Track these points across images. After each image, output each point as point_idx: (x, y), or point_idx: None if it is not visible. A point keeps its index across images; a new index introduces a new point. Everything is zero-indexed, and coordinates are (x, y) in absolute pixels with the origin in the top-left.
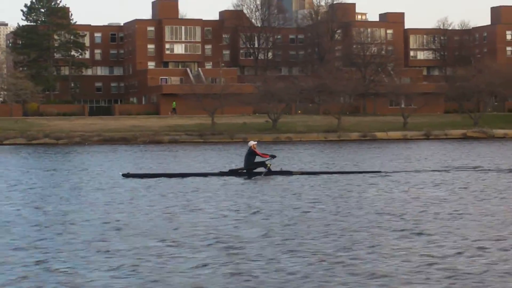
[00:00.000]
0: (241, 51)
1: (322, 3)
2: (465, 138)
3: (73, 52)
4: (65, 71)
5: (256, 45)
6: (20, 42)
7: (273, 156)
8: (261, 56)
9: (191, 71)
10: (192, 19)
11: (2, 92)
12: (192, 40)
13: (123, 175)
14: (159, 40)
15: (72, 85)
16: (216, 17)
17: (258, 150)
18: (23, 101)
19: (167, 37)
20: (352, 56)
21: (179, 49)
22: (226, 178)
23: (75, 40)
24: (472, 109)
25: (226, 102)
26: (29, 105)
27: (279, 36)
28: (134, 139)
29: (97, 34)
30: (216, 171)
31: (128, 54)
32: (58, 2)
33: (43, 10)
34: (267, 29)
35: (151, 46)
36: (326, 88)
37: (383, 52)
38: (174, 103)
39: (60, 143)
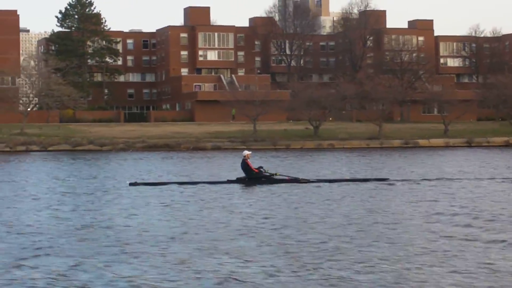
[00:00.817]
0: (272, 58)
1: (355, 10)
2: (508, 145)
3: (107, 59)
4: (98, 77)
5: (288, 52)
6: (54, 48)
7: (259, 168)
8: (292, 63)
9: (224, 77)
10: (225, 26)
11: (37, 98)
12: (225, 47)
13: (130, 184)
14: (192, 46)
15: (106, 91)
16: (246, 23)
17: (249, 161)
18: (64, 107)
19: (200, 44)
20: (389, 62)
21: (212, 55)
22: (236, 185)
23: (109, 47)
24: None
25: (268, 108)
26: (65, 111)
27: (310, 43)
28: (177, 146)
29: (129, 41)
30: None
31: (161, 61)
32: (92, 8)
33: (77, 17)
34: (299, 35)
35: (184, 53)
36: (367, 95)
37: (415, 59)
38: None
39: (104, 150)
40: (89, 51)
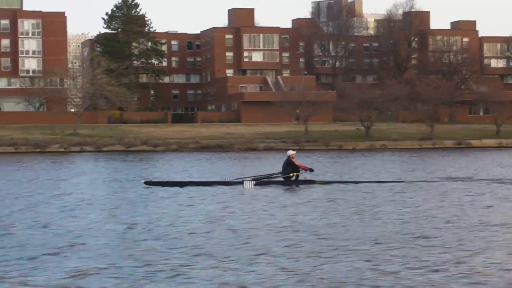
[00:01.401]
0: (315, 59)
1: (400, 11)
2: None
3: (153, 60)
4: (143, 78)
5: (333, 53)
6: (100, 50)
7: (311, 170)
8: (336, 64)
9: (269, 78)
10: (270, 27)
11: (90, 99)
12: (270, 48)
13: (146, 183)
14: (237, 48)
15: (152, 92)
16: (287, 25)
17: (296, 161)
18: (114, 108)
19: (245, 45)
20: (436, 63)
21: (257, 57)
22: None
23: (154, 48)
24: None
25: (319, 109)
26: (112, 112)
27: (353, 44)
28: (231, 147)
29: (174, 42)
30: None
31: (206, 62)
32: (138, 10)
33: (123, 18)
34: (343, 37)
35: (229, 54)
36: (418, 95)
37: (460, 60)
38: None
39: (157, 150)
40: (135, 53)
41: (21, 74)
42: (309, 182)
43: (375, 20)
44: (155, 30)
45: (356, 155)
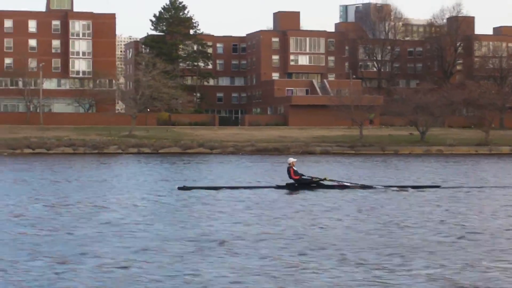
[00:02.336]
0: (360, 63)
1: (446, 15)
2: None
3: (200, 63)
4: (188, 81)
5: (380, 58)
6: (147, 52)
7: (302, 176)
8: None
9: (316, 82)
10: (317, 31)
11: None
12: (316, 52)
13: (179, 188)
14: (283, 51)
15: (198, 95)
16: (328, 28)
17: (293, 169)
18: (169, 110)
19: (292, 49)
20: (482, 69)
21: (303, 60)
22: (286, 191)
23: (201, 50)
24: None
25: (375, 114)
26: (160, 114)
27: (397, 49)
28: (287, 150)
29: (219, 45)
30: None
31: (251, 65)
32: (185, 12)
33: (171, 20)
34: (388, 41)
35: (275, 57)
36: (474, 101)
37: (505, 65)
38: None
39: (214, 153)
40: (182, 55)
41: (71, 75)
42: (343, 187)
43: (403, 25)
44: (202, 32)
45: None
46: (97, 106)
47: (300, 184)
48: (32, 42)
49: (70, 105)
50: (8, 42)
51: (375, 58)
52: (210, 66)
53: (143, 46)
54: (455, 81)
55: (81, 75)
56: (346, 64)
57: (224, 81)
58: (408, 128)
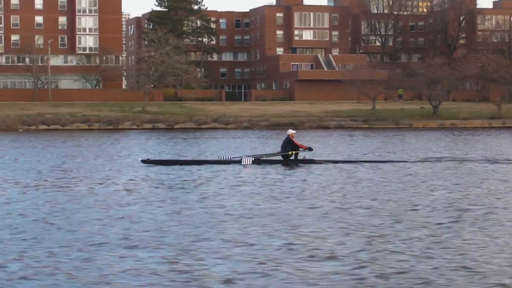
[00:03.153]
0: (363, 38)
1: None
2: None
3: (204, 38)
4: (192, 56)
5: (384, 32)
6: (151, 27)
7: (310, 149)
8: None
9: (320, 57)
10: (321, 6)
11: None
12: (320, 27)
13: (142, 161)
14: (288, 26)
15: (203, 70)
16: (331, 3)
17: (296, 140)
18: (182, 86)
19: (296, 24)
20: (485, 42)
21: (307, 35)
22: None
23: (205, 26)
24: None
25: (387, 88)
26: (166, 89)
27: (400, 23)
28: (301, 124)
29: (222, 20)
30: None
31: (255, 40)
32: None
33: None
34: (392, 15)
35: (279, 32)
36: (487, 74)
37: (507, 40)
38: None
39: (229, 128)
40: (187, 31)
41: (78, 52)
42: (308, 162)
43: None
44: (206, 8)
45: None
46: (104, 83)
47: (284, 157)
48: (39, 19)
49: (77, 82)
50: (14, 19)
51: (379, 32)
52: (213, 42)
53: (147, 22)
54: (458, 55)
55: (87, 51)
56: (350, 39)
57: (227, 57)
58: (417, 102)
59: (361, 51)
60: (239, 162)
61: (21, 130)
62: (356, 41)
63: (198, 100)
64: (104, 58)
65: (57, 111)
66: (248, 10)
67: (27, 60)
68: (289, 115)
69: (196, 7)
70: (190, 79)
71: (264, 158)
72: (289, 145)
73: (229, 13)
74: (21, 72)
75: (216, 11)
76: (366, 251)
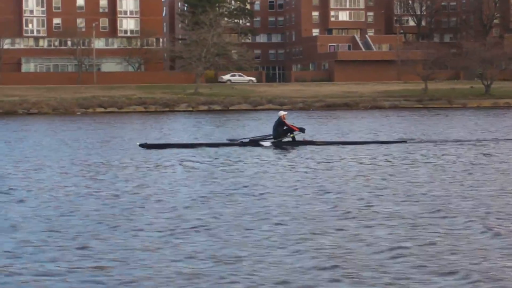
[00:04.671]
0: (396, 18)
1: None
2: None
3: (242, 20)
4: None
5: (419, 12)
6: (181, 9)
7: (302, 130)
8: (413, 23)
9: (357, 37)
10: None
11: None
12: (356, 7)
13: (140, 145)
14: (324, 7)
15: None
16: None
17: (287, 121)
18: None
19: (332, 4)
20: None
21: (343, 16)
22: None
23: (242, 7)
24: None
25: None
26: (206, 72)
27: (431, 3)
28: (356, 105)
29: (256, 1)
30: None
31: (290, 21)
32: None
33: None
34: None
35: (315, 13)
36: None
37: None
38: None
39: (284, 109)
40: (224, 12)
41: (119, 35)
42: (309, 143)
43: None
44: None
45: None
46: (145, 65)
47: (277, 139)
48: (80, 2)
49: (119, 64)
50: (56, 2)
51: (414, 12)
52: (248, 24)
53: (184, 3)
54: (492, 34)
55: (128, 34)
56: (385, 19)
57: (261, 38)
58: (462, 82)
59: (401, 31)
60: (238, 145)
61: (79, 113)
62: (391, 22)
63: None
64: (145, 40)
65: (109, 93)
66: None
67: (68, 43)
68: (340, 96)
69: None
70: (242, 61)
71: (263, 141)
72: (281, 126)
73: None
74: (63, 56)
75: None
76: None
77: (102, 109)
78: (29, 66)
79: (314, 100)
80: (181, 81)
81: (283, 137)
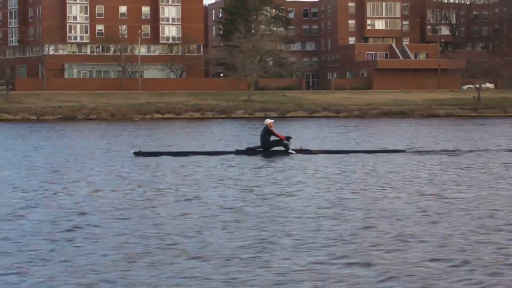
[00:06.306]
0: (429, 27)
1: None
2: None
3: (280, 28)
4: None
5: (454, 21)
6: (227, 17)
7: (288, 138)
8: (446, 32)
9: (394, 46)
10: None
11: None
12: (392, 16)
13: (135, 153)
14: (360, 16)
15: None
16: None
17: (274, 130)
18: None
19: (368, 13)
20: None
21: (379, 24)
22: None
23: (279, 15)
24: None
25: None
26: (248, 79)
27: (464, 13)
28: (411, 113)
29: (290, 9)
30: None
31: (325, 30)
32: None
33: None
34: (463, 5)
35: (351, 22)
36: None
37: None
38: None
39: (340, 116)
40: (263, 20)
41: (161, 41)
42: (305, 152)
43: None
44: None
45: None
46: (187, 72)
47: (267, 149)
48: (123, 9)
49: (161, 71)
50: (99, 9)
51: (449, 22)
52: (283, 31)
53: (222, 11)
54: None
55: (170, 41)
56: (420, 27)
57: (295, 46)
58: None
59: (442, 40)
60: (233, 153)
61: (137, 119)
62: (425, 31)
63: (279, 89)
64: (186, 47)
65: (162, 100)
66: (317, 0)
67: (111, 49)
68: (394, 104)
69: None
70: (295, 68)
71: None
72: (268, 134)
73: (297, 3)
74: (106, 62)
75: (285, 0)
76: None
77: (160, 115)
78: (72, 72)
79: (369, 108)
80: (223, 88)
81: (272, 145)
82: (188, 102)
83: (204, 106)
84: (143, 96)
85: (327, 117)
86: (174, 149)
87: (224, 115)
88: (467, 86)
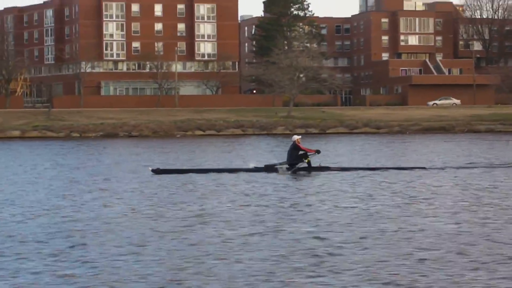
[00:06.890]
0: (462, 43)
1: None
2: None
3: (314, 44)
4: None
5: (488, 37)
6: (261, 34)
7: (318, 151)
8: (479, 47)
9: (428, 62)
10: (425, 11)
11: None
12: (425, 32)
13: (153, 171)
14: (393, 31)
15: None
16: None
17: (302, 145)
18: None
19: (402, 29)
20: None
21: (413, 40)
22: (266, 174)
23: (314, 32)
24: None
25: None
26: (284, 95)
27: (495, 28)
28: (452, 129)
29: (322, 25)
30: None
31: (358, 46)
32: None
33: (282, 3)
34: (496, 20)
35: (385, 38)
36: None
37: None
38: None
39: (381, 132)
40: (296, 37)
41: (196, 58)
42: (324, 169)
43: None
44: (313, 14)
45: None
46: (222, 88)
47: (291, 165)
48: (158, 26)
49: (197, 88)
50: (135, 26)
51: (482, 37)
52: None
53: (256, 27)
54: None
55: (206, 57)
56: (453, 43)
57: (328, 62)
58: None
59: (478, 55)
60: (252, 170)
61: (178, 136)
62: (455, 46)
63: (314, 105)
64: (221, 64)
65: (201, 116)
66: (349, 16)
67: (147, 67)
68: (434, 119)
69: (302, 13)
70: (335, 84)
71: (278, 166)
72: (296, 151)
73: (329, 19)
74: (142, 79)
75: (317, 16)
76: None
77: (201, 132)
78: (108, 89)
79: (410, 124)
80: (258, 104)
81: (298, 162)
82: (228, 119)
83: (244, 123)
84: (182, 113)
85: (367, 133)
86: (194, 166)
87: (265, 132)
88: (433, 102)
